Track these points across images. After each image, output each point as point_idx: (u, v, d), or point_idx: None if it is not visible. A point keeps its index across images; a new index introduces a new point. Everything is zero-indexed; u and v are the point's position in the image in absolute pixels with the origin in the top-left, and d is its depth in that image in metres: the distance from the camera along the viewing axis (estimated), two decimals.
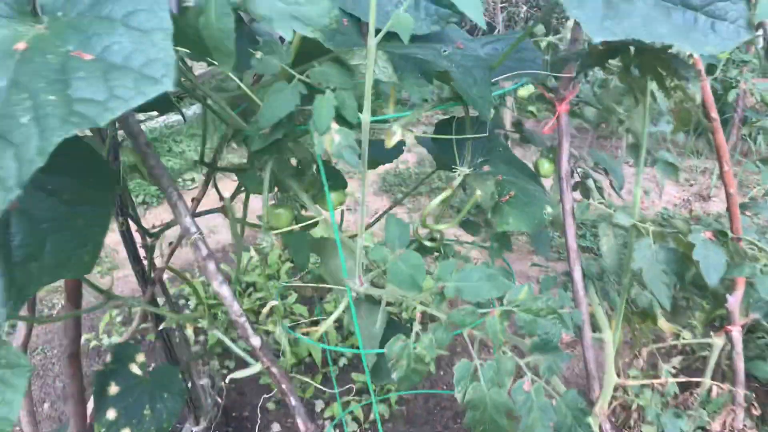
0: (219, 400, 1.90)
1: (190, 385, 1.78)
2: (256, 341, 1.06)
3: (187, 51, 0.83)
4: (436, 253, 1.21)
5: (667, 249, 1.02)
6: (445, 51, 1.00)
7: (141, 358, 1.34)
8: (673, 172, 1.54)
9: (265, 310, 1.00)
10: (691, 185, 3.91)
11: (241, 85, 0.89)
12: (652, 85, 1.25)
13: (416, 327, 0.94)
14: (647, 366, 1.48)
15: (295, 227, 1.03)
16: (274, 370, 1.04)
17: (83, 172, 0.86)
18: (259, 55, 0.90)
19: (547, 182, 1.29)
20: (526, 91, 1.68)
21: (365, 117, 0.87)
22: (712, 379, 1.39)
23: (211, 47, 0.73)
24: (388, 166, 3.78)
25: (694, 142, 4.16)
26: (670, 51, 0.88)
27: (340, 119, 0.88)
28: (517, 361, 0.96)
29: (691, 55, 0.97)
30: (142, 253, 1.45)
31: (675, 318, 1.64)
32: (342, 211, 1.25)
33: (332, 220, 1.02)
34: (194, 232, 1.00)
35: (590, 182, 1.47)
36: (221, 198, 1.11)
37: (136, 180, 3.73)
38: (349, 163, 0.85)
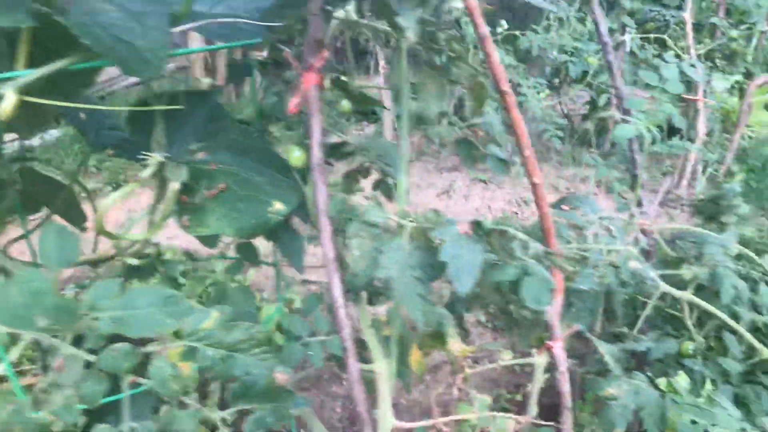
0: None
1: None
2: None
3: None
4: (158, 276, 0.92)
5: (425, 250, 0.78)
6: None
7: None
8: (503, 169, 1.35)
9: None
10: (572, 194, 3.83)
11: None
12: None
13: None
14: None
15: None
16: None
17: None
18: None
19: None
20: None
21: None
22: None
23: None
24: None
25: (574, 150, 4.09)
26: None
27: None
28: (209, 415, 0.68)
29: None
30: None
31: (525, 335, 1.44)
32: None
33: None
34: None
35: (390, 180, 1.24)
36: None
37: None
38: None
